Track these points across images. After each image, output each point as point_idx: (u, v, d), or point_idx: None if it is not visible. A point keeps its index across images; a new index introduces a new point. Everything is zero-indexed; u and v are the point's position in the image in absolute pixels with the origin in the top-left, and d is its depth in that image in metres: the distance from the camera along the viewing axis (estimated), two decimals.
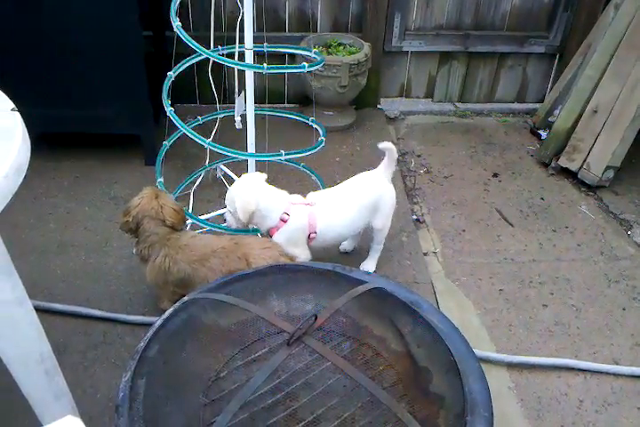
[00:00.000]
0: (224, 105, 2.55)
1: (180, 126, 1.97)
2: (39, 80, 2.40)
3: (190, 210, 2.31)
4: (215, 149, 1.98)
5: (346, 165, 2.77)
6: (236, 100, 2.12)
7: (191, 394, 1.40)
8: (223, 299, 1.52)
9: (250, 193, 1.85)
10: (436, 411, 1.41)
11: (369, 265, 2.20)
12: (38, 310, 1.78)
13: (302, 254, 1.96)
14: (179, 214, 1.80)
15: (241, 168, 2.43)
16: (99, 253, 2.19)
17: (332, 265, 1.77)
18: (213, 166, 2.51)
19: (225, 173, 2.50)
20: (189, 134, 1.96)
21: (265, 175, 1.91)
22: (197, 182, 2.50)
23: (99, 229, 2.31)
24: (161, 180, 2.18)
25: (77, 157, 2.66)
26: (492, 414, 1.37)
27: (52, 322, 1.89)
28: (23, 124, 1.20)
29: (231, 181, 2.49)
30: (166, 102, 2.02)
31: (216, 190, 2.53)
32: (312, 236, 1.95)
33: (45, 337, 1.33)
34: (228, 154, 1.99)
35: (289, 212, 1.89)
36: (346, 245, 2.29)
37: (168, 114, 2.00)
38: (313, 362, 1.47)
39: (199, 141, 1.96)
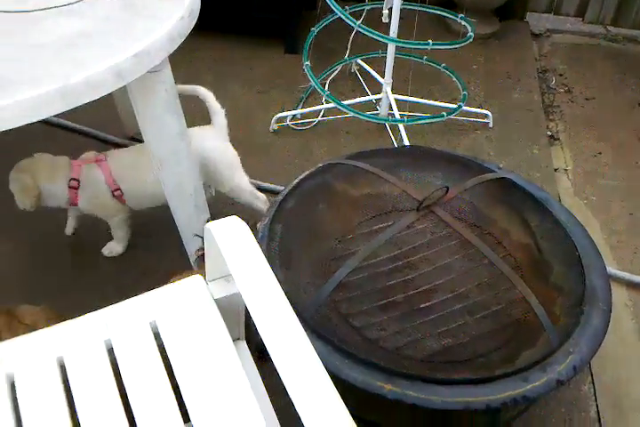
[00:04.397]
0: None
1: (336, 10, 1.98)
2: None
3: (324, 99, 2.35)
4: (365, 33, 1.97)
5: (482, 73, 2.68)
6: None
7: (320, 247, 1.50)
8: (358, 165, 1.57)
9: (25, 173, 1.54)
10: (553, 298, 1.42)
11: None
12: None
13: (117, 215, 1.68)
14: None
15: (377, 64, 2.42)
16: (242, 126, 2.23)
17: (462, 154, 1.78)
18: (352, 60, 2.51)
19: (361, 67, 2.51)
20: (344, 17, 1.97)
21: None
22: (333, 75, 2.52)
23: (240, 105, 2.38)
24: (308, 63, 2.21)
25: (217, 37, 2.68)
26: (611, 309, 1.36)
27: None
28: None
29: (366, 76, 2.50)
30: None
31: (349, 84, 2.54)
32: (117, 193, 1.60)
33: (199, 174, 1.45)
34: (378, 39, 1.97)
35: (77, 176, 1.57)
36: None
37: None
38: (437, 231, 1.50)
39: (350, 23, 1.97)
